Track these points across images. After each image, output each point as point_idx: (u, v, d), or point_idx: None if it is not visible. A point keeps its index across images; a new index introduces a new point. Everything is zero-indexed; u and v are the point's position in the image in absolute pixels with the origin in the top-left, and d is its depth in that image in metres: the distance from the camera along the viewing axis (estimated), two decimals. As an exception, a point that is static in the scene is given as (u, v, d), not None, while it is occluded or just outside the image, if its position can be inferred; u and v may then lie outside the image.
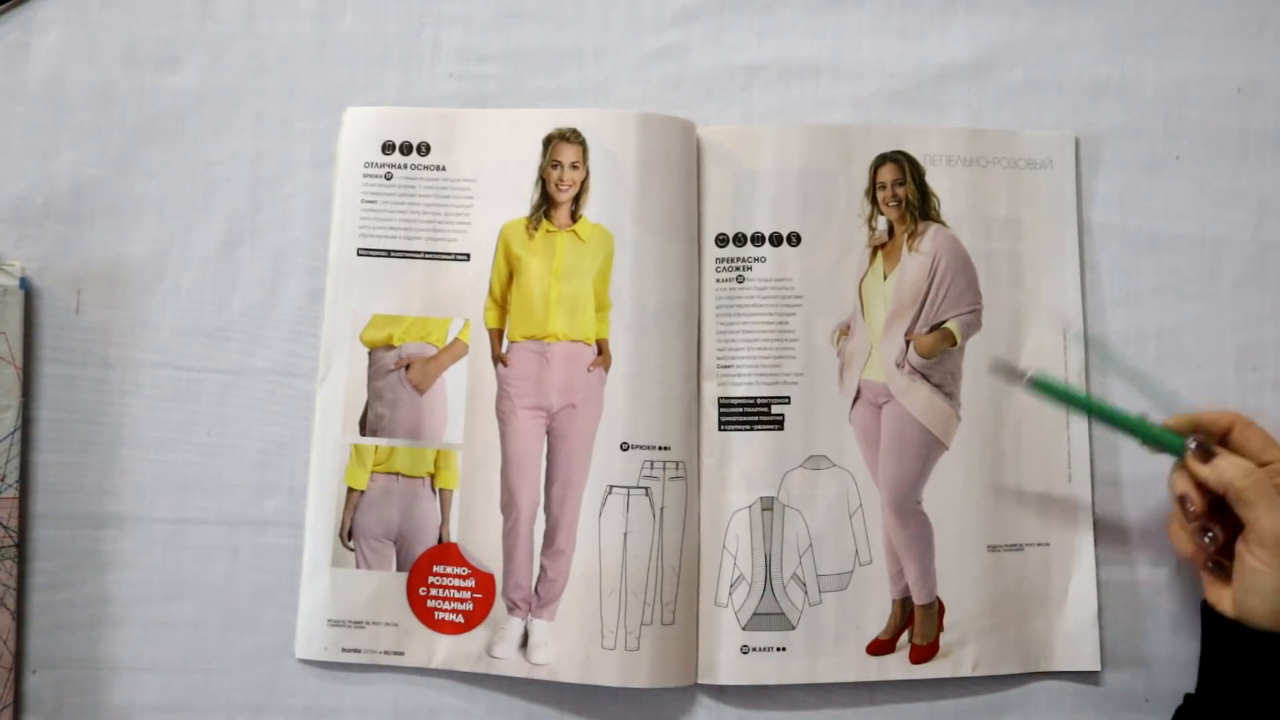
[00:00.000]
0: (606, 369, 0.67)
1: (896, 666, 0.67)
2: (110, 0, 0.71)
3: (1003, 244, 0.70)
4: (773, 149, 0.70)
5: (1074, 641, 0.67)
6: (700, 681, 0.66)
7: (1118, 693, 0.67)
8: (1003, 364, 0.65)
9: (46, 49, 0.71)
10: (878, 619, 0.67)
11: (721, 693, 0.67)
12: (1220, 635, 0.61)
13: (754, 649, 0.66)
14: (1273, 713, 0.58)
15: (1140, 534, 0.68)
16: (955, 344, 0.69)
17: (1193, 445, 0.60)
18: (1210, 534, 0.60)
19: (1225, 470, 0.59)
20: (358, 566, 0.67)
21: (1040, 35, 0.72)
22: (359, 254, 0.69)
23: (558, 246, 0.69)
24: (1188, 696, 0.63)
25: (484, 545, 0.67)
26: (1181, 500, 0.61)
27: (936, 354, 0.69)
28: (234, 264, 0.70)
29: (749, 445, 0.68)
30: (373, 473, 0.68)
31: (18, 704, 0.66)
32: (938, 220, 0.70)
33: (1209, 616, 0.62)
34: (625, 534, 0.66)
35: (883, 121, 0.72)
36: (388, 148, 0.70)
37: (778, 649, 0.67)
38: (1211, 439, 0.61)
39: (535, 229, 0.69)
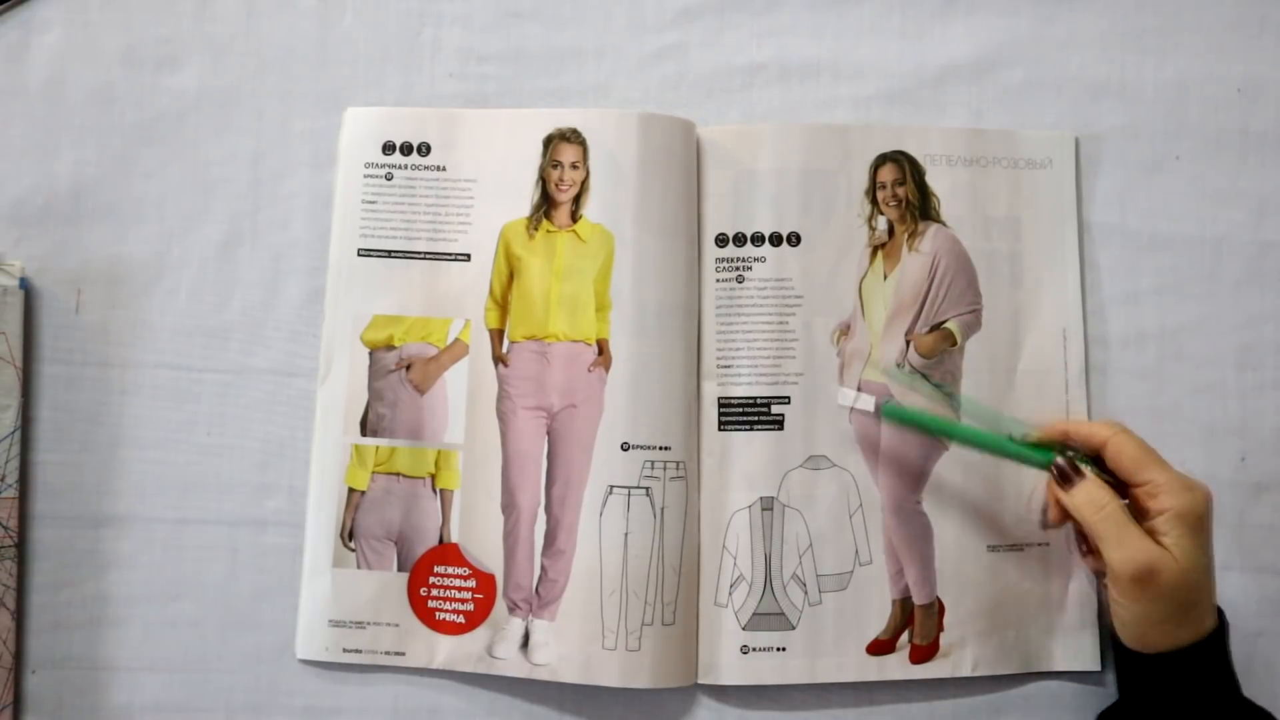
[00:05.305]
0: (607, 369, 0.67)
1: (896, 666, 0.67)
2: (110, 0, 0.71)
3: (1003, 244, 0.70)
4: (773, 149, 0.70)
5: (1074, 641, 0.67)
6: (700, 681, 0.66)
7: (1118, 693, 0.67)
8: (849, 397, 0.66)
9: (46, 49, 0.71)
10: (878, 619, 0.67)
11: (722, 693, 0.67)
12: (1116, 650, 0.62)
13: (754, 649, 0.66)
14: None
15: (1140, 534, 0.69)
16: (955, 344, 0.69)
17: (1055, 468, 0.59)
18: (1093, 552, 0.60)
19: (1077, 500, 0.58)
20: (358, 567, 0.67)
21: (1040, 35, 0.72)
22: (359, 254, 0.69)
23: (558, 246, 0.69)
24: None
25: (485, 545, 0.67)
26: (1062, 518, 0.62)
27: (937, 354, 0.69)
28: (234, 264, 0.70)
29: (749, 445, 0.68)
30: (373, 473, 0.68)
31: (18, 704, 0.66)
32: (938, 220, 0.70)
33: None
34: (626, 534, 0.66)
35: (883, 121, 0.72)
36: (388, 148, 0.70)
37: (778, 649, 0.67)
38: (1082, 455, 0.60)
39: (536, 229, 0.69)
